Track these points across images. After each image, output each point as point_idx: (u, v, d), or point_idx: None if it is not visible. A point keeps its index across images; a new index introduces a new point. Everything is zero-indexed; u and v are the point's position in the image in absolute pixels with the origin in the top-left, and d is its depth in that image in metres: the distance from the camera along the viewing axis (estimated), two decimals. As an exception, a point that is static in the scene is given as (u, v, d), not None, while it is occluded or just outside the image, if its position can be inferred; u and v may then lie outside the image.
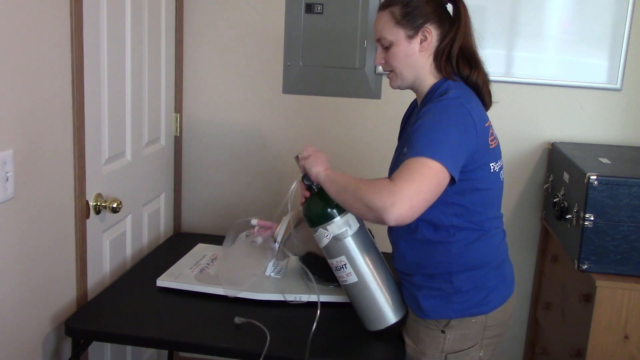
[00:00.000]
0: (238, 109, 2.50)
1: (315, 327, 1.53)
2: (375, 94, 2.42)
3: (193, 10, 2.43)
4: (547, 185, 2.33)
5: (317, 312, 1.55)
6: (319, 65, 2.42)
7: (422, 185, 1.29)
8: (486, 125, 1.44)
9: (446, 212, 1.43)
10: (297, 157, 1.54)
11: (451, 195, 1.41)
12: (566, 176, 2.06)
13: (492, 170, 1.45)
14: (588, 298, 1.84)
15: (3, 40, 1.37)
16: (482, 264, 1.48)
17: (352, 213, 1.49)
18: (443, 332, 1.48)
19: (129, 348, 2.16)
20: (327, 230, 1.50)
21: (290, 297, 1.71)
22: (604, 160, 2.02)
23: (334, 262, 1.53)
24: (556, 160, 2.25)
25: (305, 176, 1.52)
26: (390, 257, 1.63)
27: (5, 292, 1.46)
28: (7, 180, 1.41)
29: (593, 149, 2.21)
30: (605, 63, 2.30)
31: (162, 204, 2.39)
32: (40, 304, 1.60)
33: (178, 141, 2.49)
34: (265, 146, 2.51)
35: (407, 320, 1.56)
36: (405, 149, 1.40)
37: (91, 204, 1.79)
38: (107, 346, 1.99)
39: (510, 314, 1.57)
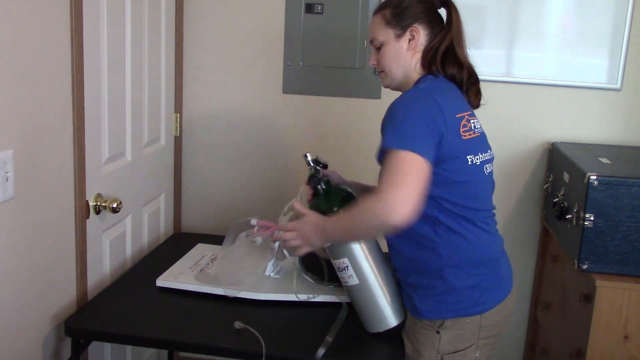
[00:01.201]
0: (238, 109, 2.50)
1: (311, 326, 1.54)
2: (375, 94, 2.42)
3: (193, 10, 2.43)
4: (547, 185, 2.33)
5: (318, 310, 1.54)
6: (319, 65, 2.42)
7: (407, 181, 1.34)
8: (457, 116, 1.45)
9: (427, 204, 1.43)
10: (305, 155, 1.55)
11: (428, 187, 1.41)
12: (566, 176, 2.06)
13: (470, 163, 1.45)
14: (588, 298, 1.84)
15: (3, 40, 1.37)
16: (473, 260, 1.48)
17: (370, 239, 1.54)
18: (438, 332, 1.48)
19: (128, 348, 2.16)
20: None
21: (303, 297, 1.71)
22: (604, 160, 2.02)
23: (337, 262, 1.53)
24: (556, 160, 2.25)
25: (312, 177, 1.52)
26: (388, 257, 1.63)
27: (5, 292, 1.46)
28: (7, 180, 1.41)
29: (593, 149, 2.21)
30: (605, 63, 2.30)
31: (162, 204, 2.39)
32: (40, 303, 1.60)
33: (178, 141, 2.49)
34: (266, 146, 2.51)
35: (405, 321, 1.57)
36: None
37: (91, 204, 1.79)
38: (107, 346, 1.99)
39: (508, 314, 1.57)
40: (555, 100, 2.36)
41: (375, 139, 2.44)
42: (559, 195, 2.10)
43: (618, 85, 2.31)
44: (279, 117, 2.48)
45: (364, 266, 1.51)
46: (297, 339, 1.56)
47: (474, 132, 1.49)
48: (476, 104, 1.57)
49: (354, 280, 1.52)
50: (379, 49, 1.55)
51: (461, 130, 1.45)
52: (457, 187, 1.44)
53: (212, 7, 2.42)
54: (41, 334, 1.62)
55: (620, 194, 1.80)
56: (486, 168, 1.51)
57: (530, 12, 2.31)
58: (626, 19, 2.25)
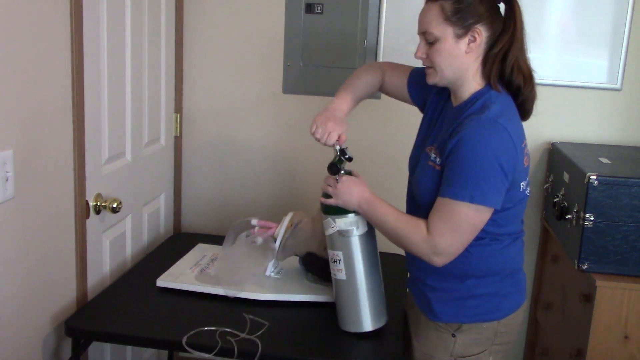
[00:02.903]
0: (238, 109, 2.49)
1: (311, 326, 1.53)
2: (375, 94, 2.42)
3: (193, 10, 2.43)
4: (547, 185, 2.32)
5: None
6: (319, 65, 2.42)
7: (459, 234, 1.36)
8: (522, 145, 1.40)
9: None
10: (337, 141, 1.52)
11: None
12: (566, 176, 2.06)
13: (520, 190, 1.42)
14: (588, 298, 1.84)
15: (3, 40, 1.37)
16: (499, 270, 1.47)
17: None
18: (453, 335, 1.47)
19: (128, 348, 2.16)
20: (334, 222, 1.50)
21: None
22: (604, 160, 2.02)
23: (331, 253, 1.54)
24: (556, 160, 2.25)
25: (332, 165, 1.50)
26: (390, 257, 1.63)
27: (5, 292, 1.46)
28: (7, 180, 1.41)
29: (593, 149, 2.21)
30: (605, 63, 2.30)
31: (162, 204, 2.39)
32: (40, 304, 1.60)
33: (178, 141, 2.49)
34: (265, 146, 2.51)
35: (416, 323, 1.56)
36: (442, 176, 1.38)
37: (91, 204, 1.79)
38: (107, 346, 1.99)
39: (521, 322, 1.56)
40: (555, 100, 2.36)
41: (375, 139, 2.45)
42: (559, 195, 2.09)
43: (618, 85, 2.31)
44: (279, 117, 2.48)
45: (355, 265, 1.51)
46: (297, 339, 1.56)
47: (527, 157, 1.44)
48: (527, 118, 1.47)
49: (341, 275, 1.53)
50: (430, 43, 1.39)
51: (524, 159, 1.41)
52: (505, 212, 1.41)
53: (212, 7, 2.42)
54: (41, 334, 1.62)
55: (620, 194, 1.80)
56: (527, 191, 1.47)
57: (530, 12, 2.28)
58: (626, 19, 2.25)
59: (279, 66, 2.44)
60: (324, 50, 2.39)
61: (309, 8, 2.37)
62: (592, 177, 1.80)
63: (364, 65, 1.74)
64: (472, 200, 1.32)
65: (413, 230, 1.39)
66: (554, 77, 2.34)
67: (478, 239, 1.40)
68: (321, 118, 1.53)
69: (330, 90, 2.42)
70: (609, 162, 2.00)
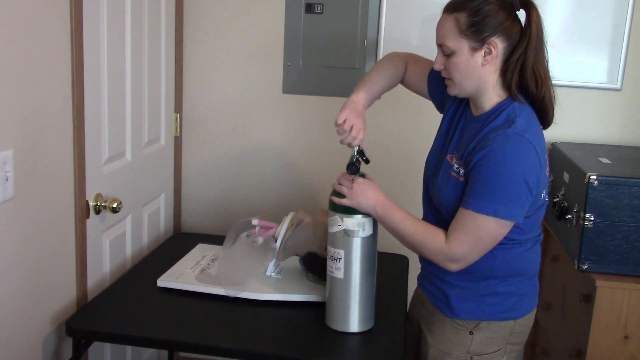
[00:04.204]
0: (238, 109, 2.49)
1: (312, 326, 1.53)
2: (375, 94, 2.42)
3: (193, 10, 2.43)
4: (547, 185, 2.33)
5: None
6: (319, 65, 2.41)
7: (479, 245, 1.38)
8: (545, 157, 1.40)
9: None
10: (356, 146, 1.54)
11: None
12: (566, 176, 2.06)
13: (542, 198, 1.43)
14: (588, 298, 1.84)
15: (3, 40, 1.37)
16: (521, 272, 1.49)
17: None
18: (471, 333, 1.48)
19: (129, 348, 2.16)
20: (342, 221, 1.50)
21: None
22: (604, 160, 2.02)
23: (332, 250, 1.54)
24: (556, 160, 2.25)
25: (351, 165, 1.51)
26: (390, 257, 1.62)
27: (5, 293, 1.46)
28: (7, 180, 1.41)
29: (593, 149, 2.21)
30: (605, 63, 2.30)
31: (162, 204, 2.39)
32: (41, 304, 1.60)
33: (178, 141, 2.49)
34: (265, 146, 2.51)
35: (429, 321, 1.57)
36: (465, 188, 1.39)
37: (91, 204, 1.79)
38: (107, 346, 1.99)
39: (532, 324, 1.57)
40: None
41: (375, 139, 2.44)
42: (559, 195, 2.10)
43: (618, 85, 2.31)
44: (279, 117, 2.48)
45: (354, 266, 1.52)
46: (298, 339, 1.56)
47: (549, 167, 1.45)
48: (549, 125, 1.47)
49: (339, 274, 1.53)
50: (447, 55, 1.39)
51: (546, 170, 1.42)
52: (527, 219, 1.42)
53: (212, 7, 2.42)
54: (42, 334, 1.62)
55: (620, 194, 1.80)
56: (546, 198, 1.47)
57: (530, 12, 2.30)
58: (626, 19, 2.25)
59: (279, 66, 2.44)
60: (324, 50, 2.39)
61: (309, 8, 2.37)
62: (592, 177, 1.80)
63: (388, 55, 1.70)
64: (496, 214, 1.33)
65: (431, 237, 1.41)
66: (554, 77, 2.32)
67: (501, 243, 1.42)
68: (352, 113, 1.53)
69: (330, 90, 2.44)
70: (609, 162, 2.00)
